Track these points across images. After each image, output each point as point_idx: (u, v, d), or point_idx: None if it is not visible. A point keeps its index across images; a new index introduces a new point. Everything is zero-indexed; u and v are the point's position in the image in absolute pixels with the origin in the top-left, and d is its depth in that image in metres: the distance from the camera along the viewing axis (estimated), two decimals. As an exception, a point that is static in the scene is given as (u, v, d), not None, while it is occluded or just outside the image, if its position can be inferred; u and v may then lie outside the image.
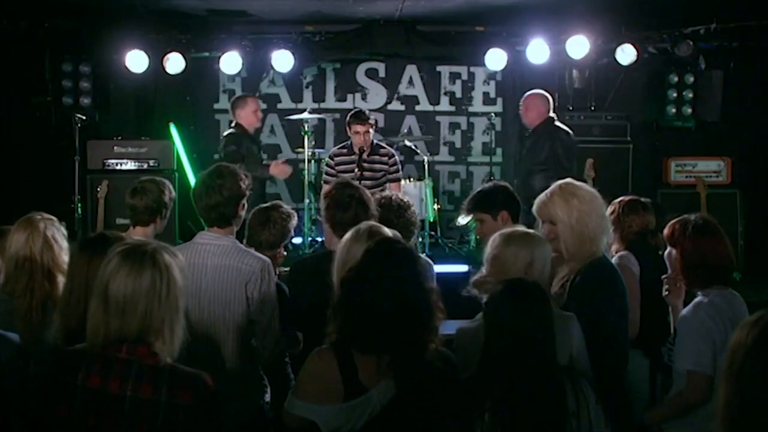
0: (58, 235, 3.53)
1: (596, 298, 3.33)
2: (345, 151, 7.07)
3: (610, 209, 4.25)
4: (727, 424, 1.83)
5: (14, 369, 2.67)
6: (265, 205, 4.24)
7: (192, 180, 7.90)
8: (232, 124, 7.23)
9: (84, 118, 7.76)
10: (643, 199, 4.46)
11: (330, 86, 8.97)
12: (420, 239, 7.17)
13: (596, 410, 2.62)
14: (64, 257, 3.49)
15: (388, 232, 3.23)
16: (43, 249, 3.42)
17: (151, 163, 7.93)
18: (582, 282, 3.36)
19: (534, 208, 3.56)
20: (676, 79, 8.31)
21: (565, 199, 3.43)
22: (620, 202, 4.38)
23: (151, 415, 2.23)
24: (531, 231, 3.25)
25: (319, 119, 8.49)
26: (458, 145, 9.19)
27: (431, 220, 7.72)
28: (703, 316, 3.16)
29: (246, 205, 3.70)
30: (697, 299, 3.26)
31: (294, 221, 4.19)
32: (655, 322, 4.04)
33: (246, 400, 3.53)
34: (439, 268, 4.40)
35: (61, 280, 3.45)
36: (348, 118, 7.02)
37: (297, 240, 3.79)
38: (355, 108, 7.82)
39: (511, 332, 2.55)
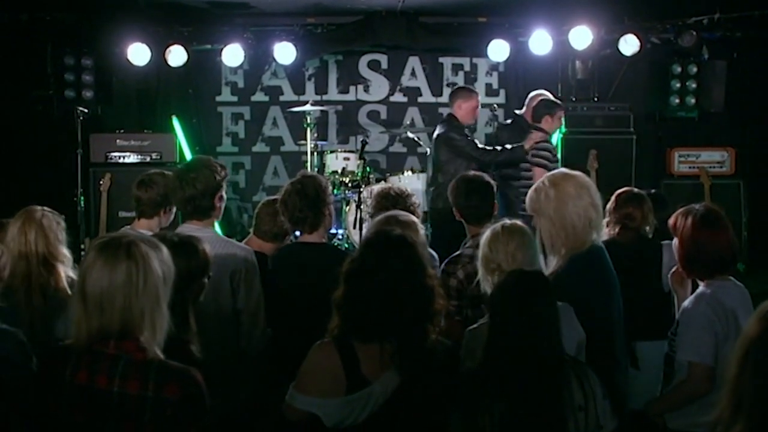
0: (54, 225, 3.57)
1: (578, 293, 3.22)
2: None
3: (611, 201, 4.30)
4: (730, 409, 1.84)
5: (16, 364, 2.66)
6: (274, 197, 4.23)
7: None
8: (445, 115, 6.89)
9: (86, 111, 7.76)
10: (636, 191, 4.42)
11: (332, 78, 8.95)
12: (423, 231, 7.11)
13: (603, 404, 2.62)
14: (62, 249, 3.55)
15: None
16: (37, 238, 3.46)
17: (154, 156, 7.91)
18: (563, 276, 3.28)
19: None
20: (679, 69, 8.27)
21: (545, 191, 3.38)
22: (617, 194, 4.39)
23: (139, 410, 2.21)
24: (514, 223, 3.22)
25: (322, 111, 8.47)
26: (461, 136, 9.15)
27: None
28: (704, 307, 3.16)
29: (224, 197, 3.68)
30: (698, 290, 3.25)
31: None
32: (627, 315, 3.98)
33: (232, 390, 3.49)
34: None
35: (61, 269, 3.48)
36: None
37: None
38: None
39: (518, 323, 2.55)
